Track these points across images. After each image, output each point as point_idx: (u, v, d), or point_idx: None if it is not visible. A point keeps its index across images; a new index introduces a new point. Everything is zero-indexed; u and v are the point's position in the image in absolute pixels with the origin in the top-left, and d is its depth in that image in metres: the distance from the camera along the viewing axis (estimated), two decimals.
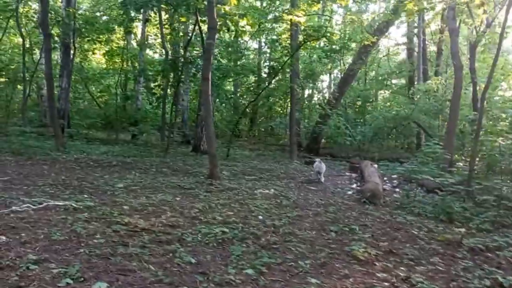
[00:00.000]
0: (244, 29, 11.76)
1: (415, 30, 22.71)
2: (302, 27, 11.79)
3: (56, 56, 27.71)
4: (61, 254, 3.64)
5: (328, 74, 28.57)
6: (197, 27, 10.77)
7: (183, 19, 10.56)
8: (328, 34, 11.07)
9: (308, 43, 12.34)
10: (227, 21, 9.71)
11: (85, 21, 15.84)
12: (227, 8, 8.43)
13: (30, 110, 24.49)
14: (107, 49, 22.75)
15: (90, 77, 22.18)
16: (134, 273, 3.31)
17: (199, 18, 9.27)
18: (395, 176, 11.04)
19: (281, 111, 24.83)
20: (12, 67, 23.96)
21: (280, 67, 12.35)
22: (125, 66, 21.89)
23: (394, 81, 27.39)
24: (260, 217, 5.41)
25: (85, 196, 6.22)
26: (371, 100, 21.60)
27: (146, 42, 18.44)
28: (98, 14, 20.04)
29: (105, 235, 4.23)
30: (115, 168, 9.60)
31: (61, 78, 17.92)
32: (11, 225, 4.29)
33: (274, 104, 24.19)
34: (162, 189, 7.15)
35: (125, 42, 23.38)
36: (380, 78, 25.56)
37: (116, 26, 16.03)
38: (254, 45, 26.00)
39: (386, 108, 19.72)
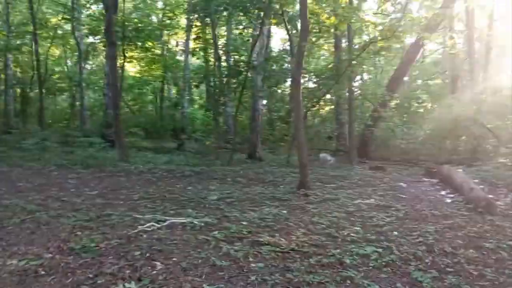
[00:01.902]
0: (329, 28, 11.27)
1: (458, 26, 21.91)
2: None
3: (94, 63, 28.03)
4: (234, 283, 3.29)
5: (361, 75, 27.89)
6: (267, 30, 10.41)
7: (274, 21, 10.22)
8: (401, 34, 10.54)
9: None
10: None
11: (135, 28, 15.76)
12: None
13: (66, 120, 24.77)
14: (146, 57, 22.77)
15: (134, 85, 22.18)
16: None
17: (286, 21, 8.92)
18: (476, 181, 10.42)
19: (323, 114, 24.23)
20: (54, 77, 24.29)
21: (344, 70, 11.87)
22: (166, 73, 21.83)
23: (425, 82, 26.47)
24: (395, 233, 4.96)
25: (190, 210, 5.90)
26: (421, 101, 20.85)
27: (197, 49, 18.20)
28: (136, 19, 19.99)
29: (258, 257, 3.88)
30: (191, 178, 9.30)
31: (108, 86, 17.86)
32: (155, 248, 3.97)
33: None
34: (260, 201, 6.78)
35: (164, 49, 23.39)
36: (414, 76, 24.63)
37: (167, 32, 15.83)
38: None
39: (443, 108, 18.89)
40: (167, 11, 20.92)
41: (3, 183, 7.31)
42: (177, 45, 26.93)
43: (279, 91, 22.09)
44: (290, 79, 20.55)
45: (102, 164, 10.57)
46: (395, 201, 7.31)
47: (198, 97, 28.38)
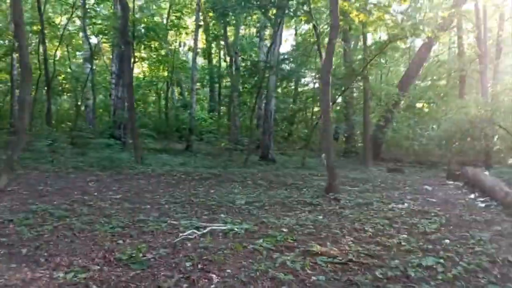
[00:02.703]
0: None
1: (466, 26, 21.67)
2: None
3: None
4: None
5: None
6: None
7: (304, 18, 9.94)
8: (420, 33, 10.30)
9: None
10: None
11: (146, 28, 15.46)
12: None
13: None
14: (151, 57, 22.47)
15: (139, 86, 21.88)
16: None
17: (314, 19, 8.65)
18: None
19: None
20: (60, 77, 23.91)
21: (361, 69, 11.63)
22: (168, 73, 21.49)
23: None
24: (447, 241, 4.72)
25: (223, 215, 5.67)
26: (432, 102, 20.61)
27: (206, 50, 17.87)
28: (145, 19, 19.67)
29: (317, 270, 3.63)
30: (211, 181, 9.05)
31: (116, 87, 17.55)
32: (205, 258, 3.71)
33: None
34: (291, 206, 6.55)
35: (170, 50, 23.06)
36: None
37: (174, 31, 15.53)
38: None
39: (457, 109, 18.69)
40: (174, 11, 20.64)
41: (23, 186, 7.04)
42: (180, 46, 26.67)
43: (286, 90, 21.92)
44: (295, 79, 20.44)
45: (118, 166, 10.31)
46: (429, 206, 7.08)
47: (200, 97, 28.13)
